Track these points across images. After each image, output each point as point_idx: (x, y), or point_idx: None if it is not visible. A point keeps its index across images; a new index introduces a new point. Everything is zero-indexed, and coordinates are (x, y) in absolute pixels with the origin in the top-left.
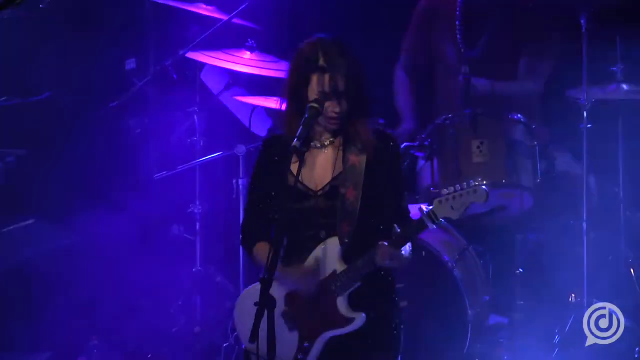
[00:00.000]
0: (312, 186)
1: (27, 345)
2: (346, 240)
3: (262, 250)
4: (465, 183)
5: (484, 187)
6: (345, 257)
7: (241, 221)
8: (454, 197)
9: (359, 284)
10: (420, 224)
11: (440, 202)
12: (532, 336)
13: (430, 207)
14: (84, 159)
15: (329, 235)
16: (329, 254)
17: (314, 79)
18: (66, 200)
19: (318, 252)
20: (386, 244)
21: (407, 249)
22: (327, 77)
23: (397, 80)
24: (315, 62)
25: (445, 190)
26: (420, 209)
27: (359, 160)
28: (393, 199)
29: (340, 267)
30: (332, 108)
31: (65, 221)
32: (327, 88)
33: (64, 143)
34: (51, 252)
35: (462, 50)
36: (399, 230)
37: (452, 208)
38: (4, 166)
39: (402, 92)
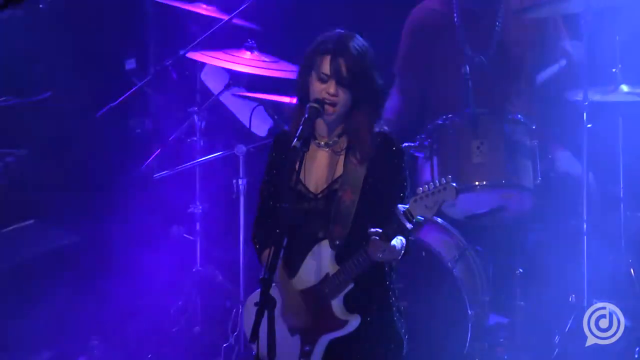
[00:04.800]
0: (312, 188)
1: (27, 345)
2: (337, 243)
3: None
4: (437, 181)
5: (453, 184)
6: (338, 259)
7: (241, 219)
8: (426, 196)
9: (351, 285)
10: (399, 224)
11: (415, 201)
12: (532, 336)
13: (406, 207)
14: (83, 159)
15: (325, 236)
16: (321, 257)
17: (319, 60)
18: (66, 200)
19: (311, 256)
20: (377, 238)
21: (401, 242)
22: (336, 58)
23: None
24: (323, 44)
25: (420, 189)
26: (397, 209)
27: (360, 164)
28: (390, 206)
29: (332, 269)
30: (326, 89)
31: (65, 221)
32: (331, 69)
33: (64, 143)
34: (51, 252)
35: (470, 53)
36: (380, 230)
37: (426, 206)
38: (4, 166)
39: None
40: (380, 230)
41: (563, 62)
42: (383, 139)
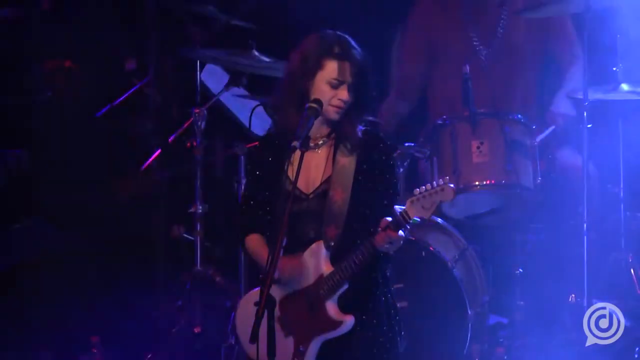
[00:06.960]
0: (304, 189)
1: (27, 345)
2: (331, 243)
3: (252, 242)
4: (434, 182)
5: (451, 185)
6: (333, 260)
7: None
8: (424, 197)
9: (346, 285)
10: (395, 224)
11: (411, 202)
12: (532, 336)
13: (403, 208)
14: (84, 159)
15: (316, 236)
16: (315, 258)
17: (329, 65)
18: (66, 201)
19: (305, 256)
20: (388, 228)
21: (404, 231)
22: (346, 64)
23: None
24: (330, 48)
25: (417, 190)
26: (394, 210)
27: (348, 161)
28: (382, 202)
29: (326, 270)
30: (340, 95)
31: (65, 221)
32: (345, 76)
33: (64, 143)
34: (51, 252)
35: (478, 46)
36: (390, 219)
37: (423, 207)
38: (4, 166)
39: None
40: (390, 219)
41: (552, 128)
42: (370, 136)
